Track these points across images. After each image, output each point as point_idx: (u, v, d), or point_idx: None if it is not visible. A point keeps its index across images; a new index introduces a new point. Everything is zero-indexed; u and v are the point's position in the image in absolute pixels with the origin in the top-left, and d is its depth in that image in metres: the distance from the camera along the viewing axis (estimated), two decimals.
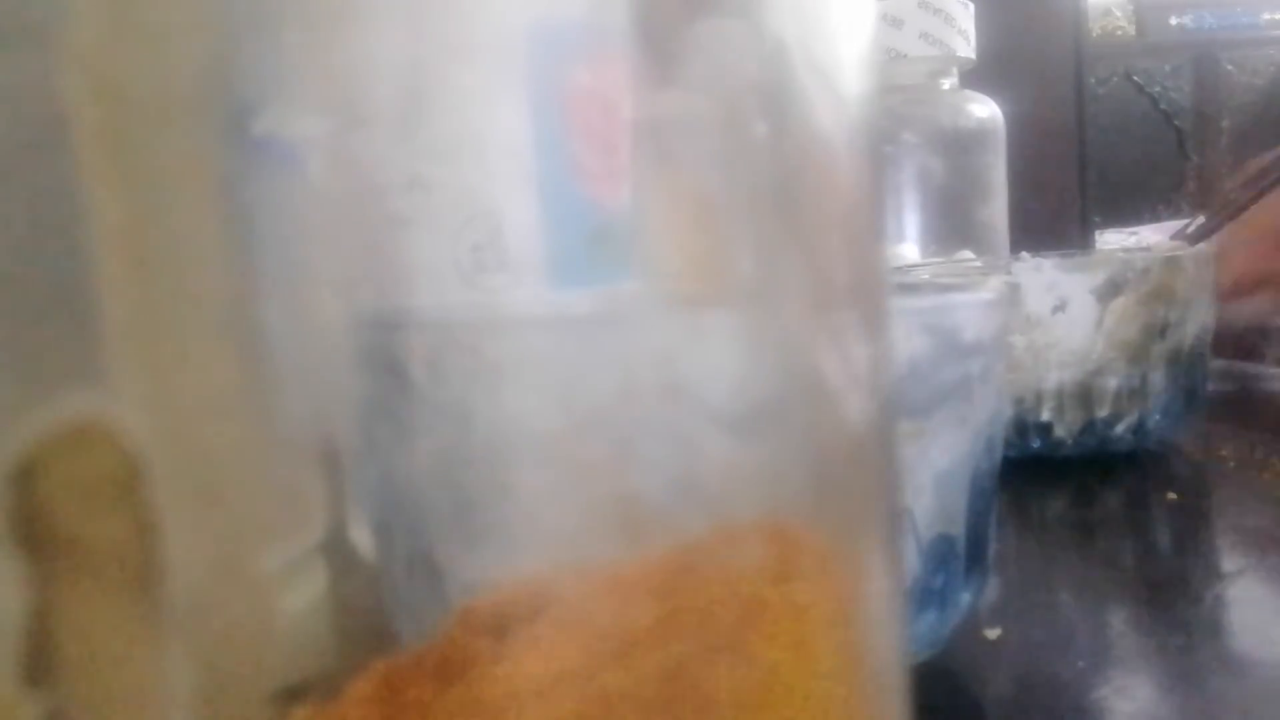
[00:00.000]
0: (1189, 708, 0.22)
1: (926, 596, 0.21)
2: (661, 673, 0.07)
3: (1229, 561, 0.31)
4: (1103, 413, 0.39)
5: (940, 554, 0.21)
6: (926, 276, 0.38)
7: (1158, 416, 0.40)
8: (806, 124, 0.08)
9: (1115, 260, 0.40)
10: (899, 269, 0.41)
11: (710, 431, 0.08)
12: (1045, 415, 0.39)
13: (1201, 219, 0.54)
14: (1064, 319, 0.38)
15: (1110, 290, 0.38)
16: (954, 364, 0.21)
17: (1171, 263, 0.39)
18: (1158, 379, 0.39)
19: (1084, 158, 1.24)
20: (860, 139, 0.09)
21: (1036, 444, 0.40)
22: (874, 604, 0.09)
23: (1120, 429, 0.40)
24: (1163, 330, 0.39)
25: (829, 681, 0.09)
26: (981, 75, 0.56)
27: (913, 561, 0.21)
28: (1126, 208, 1.97)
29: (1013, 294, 0.38)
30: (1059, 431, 0.39)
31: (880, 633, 0.09)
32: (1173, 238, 0.57)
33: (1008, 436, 0.37)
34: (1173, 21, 2.22)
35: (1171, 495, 0.36)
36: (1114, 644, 0.25)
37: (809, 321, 0.09)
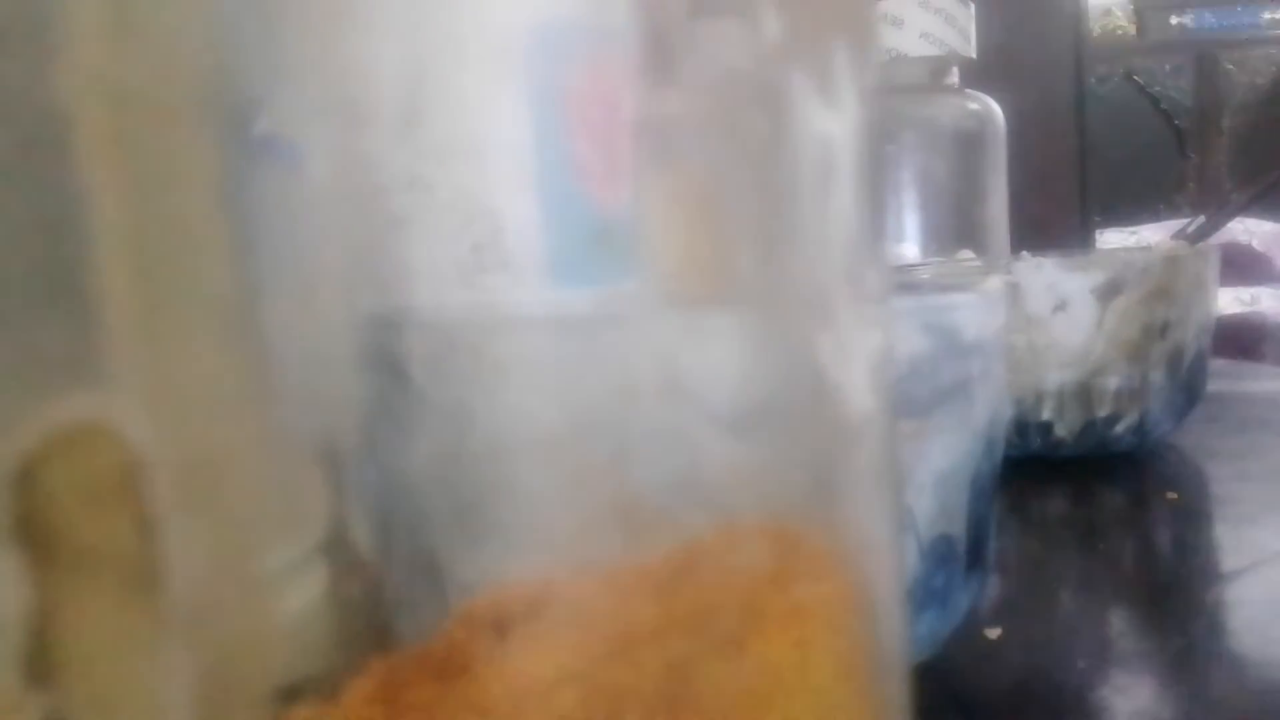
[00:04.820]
0: (1189, 708, 0.22)
1: (926, 596, 0.21)
2: (661, 672, 0.07)
3: (1229, 561, 0.31)
4: (1103, 413, 0.39)
5: (940, 554, 0.21)
6: (926, 276, 0.38)
7: (1158, 416, 0.40)
8: (806, 124, 0.08)
9: (1115, 260, 0.40)
10: (899, 269, 0.41)
11: (711, 431, 0.08)
12: (1045, 415, 0.39)
13: (1202, 218, 0.54)
14: (1064, 319, 0.38)
15: (1110, 290, 0.38)
16: (954, 364, 0.21)
17: (1172, 262, 0.39)
18: (1158, 379, 0.39)
19: (1084, 158, 1.24)
20: (860, 139, 0.09)
21: (1036, 444, 0.40)
22: (874, 604, 0.09)
23: (1120, 429, 0.40)
24: (1163, 330, 0.39)
25: (829, 681, 0.09)
26: (981, 75, 0.56)
27: (913, 561, 0.21)
28: (1126, 207, 1.98)
29: (1013, 294, 0.38)
30: (1059, 431, 0.39)
31: (880, 633, 0.09)
32: (1173, 237, 0.57)
33: (1008, 436, 0.37)
34: (1173, 21, 2.22)
35: (1171, 495, 0.36)
36: (1114, 644, 0.25)
37: (809, 321, 0.09)
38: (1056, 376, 0.39)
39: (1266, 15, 2.20)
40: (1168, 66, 2.20)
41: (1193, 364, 0.41)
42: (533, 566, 0.08)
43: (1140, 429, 0.40)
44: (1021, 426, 0.39)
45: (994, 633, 0.25)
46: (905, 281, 0.30)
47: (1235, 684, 0.22)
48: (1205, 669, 0.23)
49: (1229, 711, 0.21)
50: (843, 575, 0.09)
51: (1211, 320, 0.42)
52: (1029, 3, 1.17)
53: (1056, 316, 0.38)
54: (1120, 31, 2.20)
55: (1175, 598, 0.28)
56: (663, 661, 0.07)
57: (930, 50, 0.52)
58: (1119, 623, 0.27)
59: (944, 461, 0.21)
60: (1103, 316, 0.38)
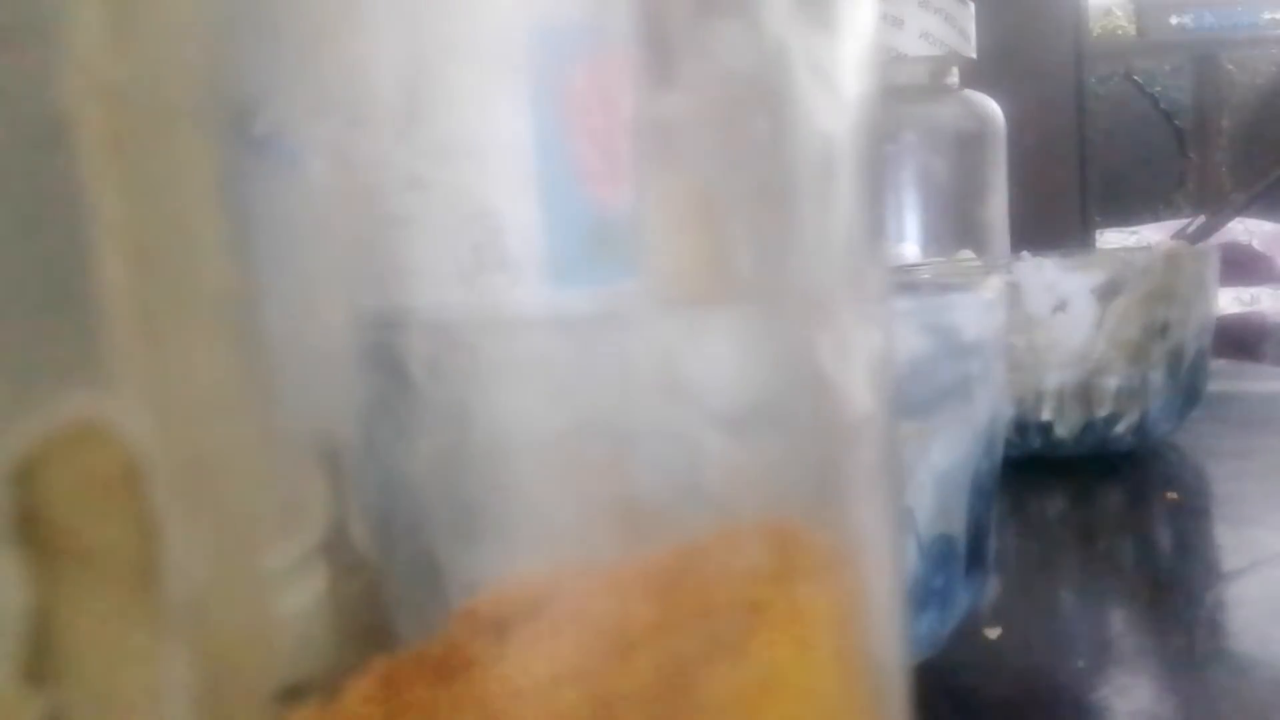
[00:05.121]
0: (1189, 708, 0.22)
1: (926, 596, 0.21)
2: (661, 673, 0.07)
3: (1229, 561, 0.31)
4: (1103, 413, 0.39)
5: (940, 554, 0.21)
6: (926, 276, 0.38)
7: (1158, 416, 0.40)
8: (806, 124, 0.08)
9: (1115, 260, 0.40)
10: (899, 269, 0.41)
11: (711, 431, 0.08)
12: (1045, 415, 0.39)
13: (1202, 218, 0.54)
14: (1064, 319, 0.38)
15: (1110, 290, 0.38)
16: (954, 364, 0.21)
17: (1172, 262, 0.39)
18: (1158, 379, 0.39)
19: (1084, 158, 1.24)
20: (860, 139, 0.09)
21: (1036, 444, 0.40)
22: (874, 604, 0.09)
23: (1120, 429, 0.40)
24: (1163, 330, 0.39)
25: (829, 681, 0.09)
26: (981, 75, 0.56)
27: (913, 561, 0.21)
28: (1126, 207, 1.98)
29: (1013, 294, 0.38)
30: (1059, 431, 0.39)
31: (880, 633, 0.09)
32: (1173, 237, 0.57)
33: (1008, 436, 0.37)
34: (1173, 21, 2.22)
35: (1171, 495, 0.36)
36: (1114, 644, 0.25)
37: (809, 321, 0.09)
38: (1056, 376, 0.39)
39: (1266, 15, 2.20)
40: (1168, 66, 2.20)
41: (1193, 364, 0.41)
42: (533, 566, 0.08)
43: (1140, 429, 0.40)
44: (1021, 426, 0.39)
45: (994, 633, 0.25)
46: (905, 281, 0.30)
47: (1235, 684, 0.22)
48: (1205, 669, 0.23)
49: (1229, 711, 0.21)
50: (843, 575, 0.09)
51: (1211, 320, 0.42)
52: (1029, 3, 1.17)
53: (1056, 316, 0.38)
54: (1120, 31, 2.21)
55: (1175, 598, 0.28)
56: (663, 661, 0.07)
57: (930, 50, 0.52)
58: (1119, 623, 0.27)
59: (944, 461, 0.21)
60: (1103, 316, 0.38)
